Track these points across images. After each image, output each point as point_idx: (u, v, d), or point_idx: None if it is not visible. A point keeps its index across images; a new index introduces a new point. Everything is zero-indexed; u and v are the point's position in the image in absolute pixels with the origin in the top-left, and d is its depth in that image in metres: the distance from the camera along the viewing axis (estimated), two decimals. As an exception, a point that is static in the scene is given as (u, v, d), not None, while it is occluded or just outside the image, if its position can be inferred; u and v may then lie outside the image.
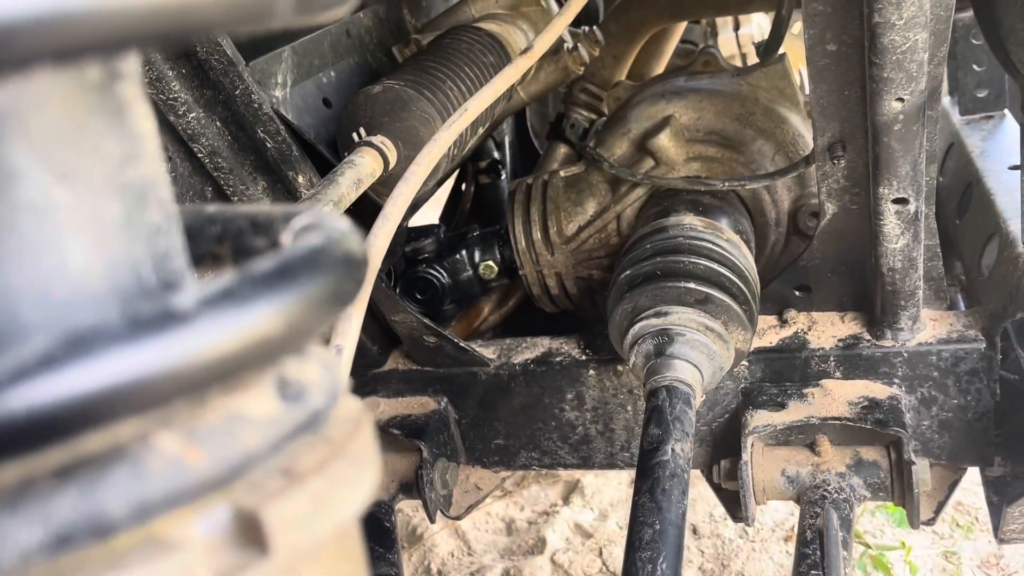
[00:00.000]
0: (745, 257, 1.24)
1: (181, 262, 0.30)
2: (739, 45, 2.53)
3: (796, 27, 2.37)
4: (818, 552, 1.10)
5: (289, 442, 0.27)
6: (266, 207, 0.36)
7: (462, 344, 1.38)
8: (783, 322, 1.33)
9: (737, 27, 2.53)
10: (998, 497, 1.24)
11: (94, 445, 0.23)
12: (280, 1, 0.25)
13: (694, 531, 2.26)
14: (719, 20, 2.51)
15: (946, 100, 1.74)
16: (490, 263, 1.56)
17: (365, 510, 0.31)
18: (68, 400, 0.21)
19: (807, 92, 1.37)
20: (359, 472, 0.29)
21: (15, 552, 0.22)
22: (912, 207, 1.09)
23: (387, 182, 1.14)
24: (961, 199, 1.52)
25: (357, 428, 0.31)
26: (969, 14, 1.32)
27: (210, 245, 0.36)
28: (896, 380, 1.24)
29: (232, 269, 0.37)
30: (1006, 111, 1.65)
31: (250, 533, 0.25)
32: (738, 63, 2.45)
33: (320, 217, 0.32)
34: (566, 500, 2.44)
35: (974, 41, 1.61)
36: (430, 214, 2.11)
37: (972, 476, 1.35)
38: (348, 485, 0.28)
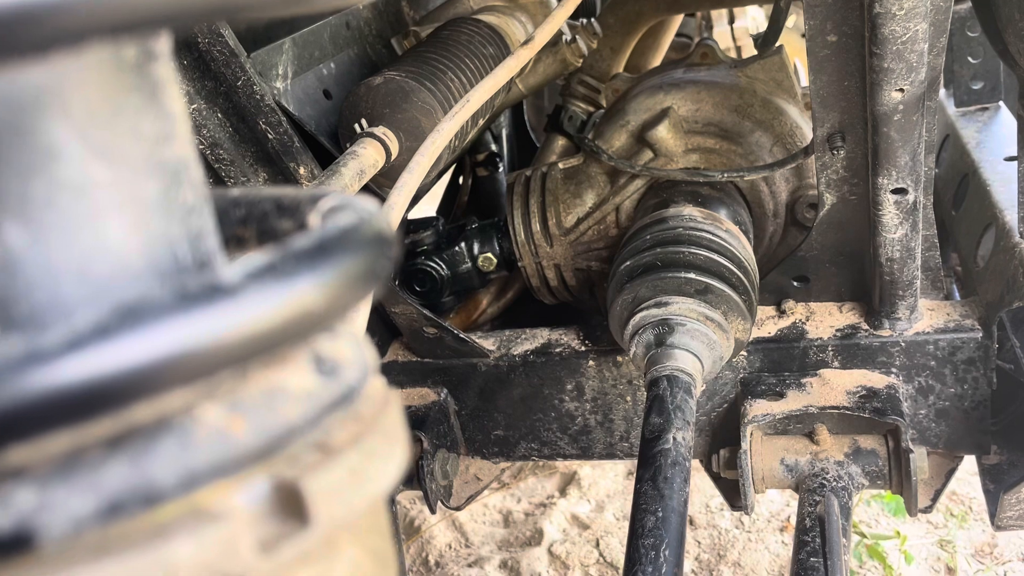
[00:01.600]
0: (744, 247, 1.24)
1: (213, 242, 0.31)
2: (734, 38, 2.54)
3: (790, 21, 2.38)
4: (818, 539, 1.10)
5: (326, 416, 0.28)
6: (291, 190, 0.36)
7: (462, 335, 1.39)
8: (781, 312, 1.34)
9: (732, 20, 2.54)
10: (994, 485, 1.25)
11: (143, 416, 0.23)
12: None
13: (691, 522, 2.27)
14: (714, 13, 2.52)
15: (941, 92, 1.75)
16: (489, 255, 1.56)
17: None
18: (122, 370, 0.22)
19: (804, 84, 1.38)
20: (390, 447, 0.30)
21: (68, 520, 0.22)
22: (911, 197, 1.09)
23: (389, 173, 1.14)
24: (957, 190, 1.53)
25: (387, 405, 0.31)
26: (966, 6, 1.33)
27: (234, 228, 0.37)
28: (894, 369, 1.25)
29: (257, 251, 0.37)
30: (1001, 103, 1.66)
31: (290, 504, 0.26)
32: (733, 56, 2.46)
33: (348, 198, 0.33)
34: (563, 492, 2.45)
35: (969, 33, 1.62)
36: (426, 208, 2.12)
37: (966, 466, 1.36)
38: (381, 459, 0.29)
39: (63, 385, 0.21)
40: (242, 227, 0.37)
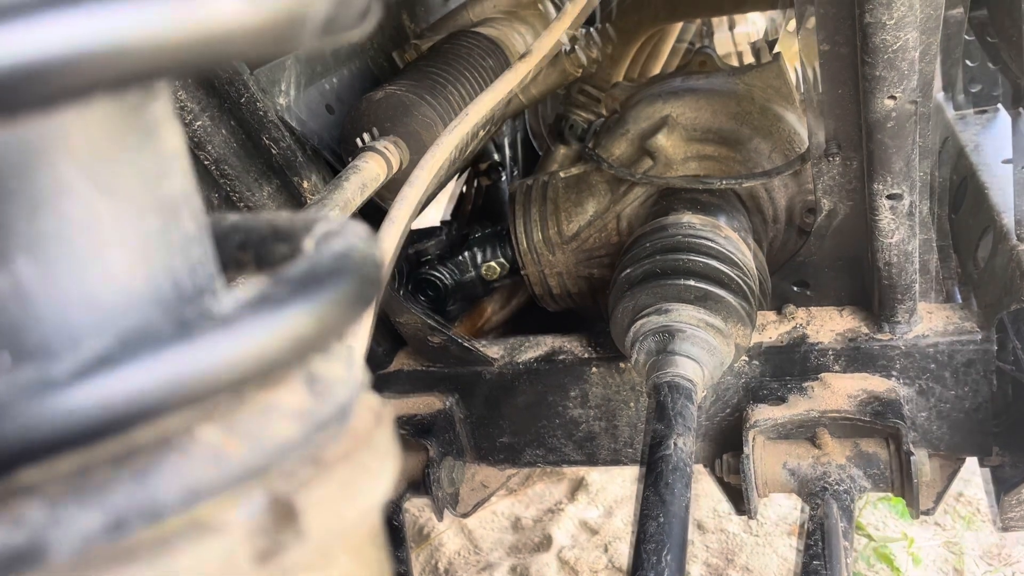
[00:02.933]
0: (743, 253, 1.26)
1: (213, 269, 0.32)
2: (735, 44, 2.55)
3: (792, 25, 2.39)
4: (820, 543, 1.12)
5: (319, 433, 0.29)
6: (287, 215, 0.38)
7: (466, 344, 1.40)
8: (783, 317, 1.35)
9: (732, 26, 2.55)
10: (997, 486, 1.26)
11: (145, 437, 0.25)
12: (306, 28, 0.27)
13: (699, 527, 2.28)
14: (715, 20, 2.53)
15: (940, 95, 1.76)
16: (492, 264, 1.58)
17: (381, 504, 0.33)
18: (127, 397, 0.23)
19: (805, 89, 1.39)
20: (382, 462, 0.31)
21: (77, 535, 0.24)
22: (906, 202, 1.11)
23: (391, 186, 1.16)
24: (956, 193, 1.54)
25: (378, 421, 0.33)
26: (959, 11, 1.35)
27: (234, 252, 0.38)
28: (894, 373, 1.26)
29: (255, 275, 0.39)
30: (999, 105, 1.67)
31: (285, 518, 0.27)
32: (734, 62, 2.47)
33: (341, 224, 0.34)
34: (572, 497, 2.47)
35: (966, 37, 1.64)
36: (433, 214, 2.14)
37: (974, 467, 1.37)
38: (372, 474, 0.31)
39: (72, 412, 0.23)
40: (241, 252, 0.38)
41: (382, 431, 0.33)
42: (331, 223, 0.35)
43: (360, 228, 0.35)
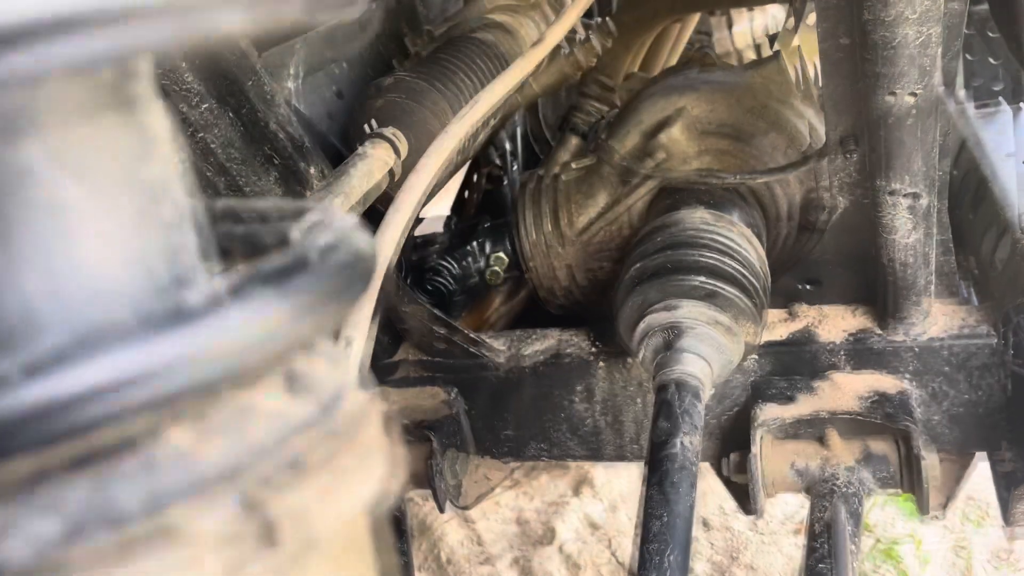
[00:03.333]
0: (754, 250, 1.24)
1: (193, 258, 0.31)
2: (732, 43, 2.51)
3: (812, 18, 2.35)
4: (826, 545, 1.10)
5: (297, 435, 0.27)
6: (275, 203, 0.36)
7: (471, 348, 1.38)
8: (792, 315, 1.33)
9: (731, 25, 2.51)
10: (1006, 482, 1.24)
11: (107, 439, 0.23)
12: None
13: (704, 524, 2.26)
14: (714, 20, 2.48)
15: (941, 90, 1.72)
16: (496, 268, 1.57)
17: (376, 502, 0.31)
18: (80, 397, 0.22)
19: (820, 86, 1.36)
20: (366, 465, 0.30)
21: (32, 544, 0.22)
22: (910, 198, 1.09)
23: (390, 186, 1.15)
24: (960, 188, 1.51)
25: (365, 421, 0.31)
26: (958, 4, 1.32)
27: (221, 240, 0.37)
28: (903, 371, 1.24)
29: (242, 264, 0.37)
30: (1000, 100, 1.64)
31: (258, 525, 0.26)
32: (733, 62, 2.43)
33: (329, 214, 0.33)
34: (576, 491, 2.45)
35: (966, 31, 1.61)
36: (436, 211, 2.11)
37: (982, 469, 1.34)
38: (355, 478, 0.29)
39: (21, 410, 0.21)
40: (228, 240, 0.37)
41: (369, 432, 0.31)
42: (320, 213, 0.34)
43: (350, 219, 0.33)
